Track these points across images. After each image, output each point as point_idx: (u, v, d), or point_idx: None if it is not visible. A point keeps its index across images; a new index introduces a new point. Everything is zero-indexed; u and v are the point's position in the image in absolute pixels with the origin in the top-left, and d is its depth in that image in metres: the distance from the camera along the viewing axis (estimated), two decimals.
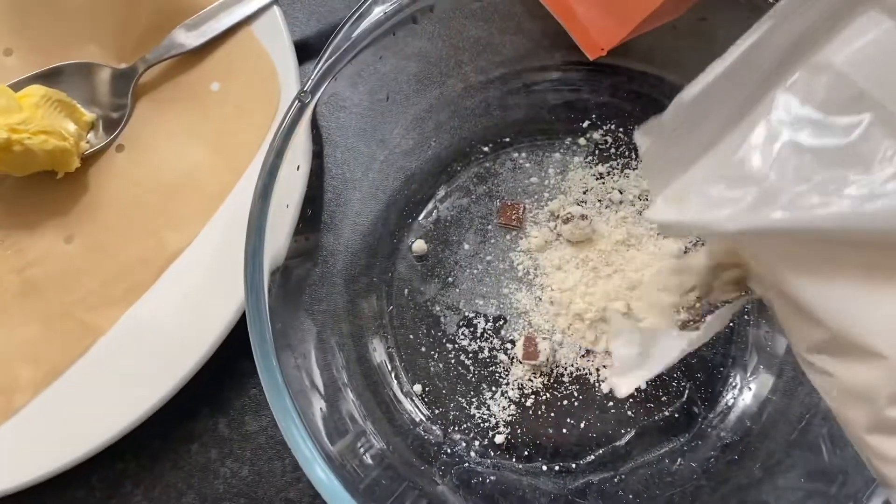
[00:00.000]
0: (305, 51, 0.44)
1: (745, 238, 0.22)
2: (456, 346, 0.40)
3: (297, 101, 0.34)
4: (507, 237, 0.42)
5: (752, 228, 0.21)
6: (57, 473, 0.37)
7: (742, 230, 0.21)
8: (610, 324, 0.37)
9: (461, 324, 0.40)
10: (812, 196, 0.20)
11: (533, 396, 0.38)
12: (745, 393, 0.38)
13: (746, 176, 0.21)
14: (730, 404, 0.38)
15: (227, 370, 0.41)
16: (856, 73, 0.20)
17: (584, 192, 0.42)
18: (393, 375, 0.40)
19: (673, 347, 0.31)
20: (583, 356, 0.38)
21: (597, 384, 0.38)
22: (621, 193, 0.41)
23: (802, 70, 0.21)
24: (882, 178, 0.19)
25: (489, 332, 0.40)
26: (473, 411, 0.39)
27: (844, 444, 0.32)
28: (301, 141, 0.36)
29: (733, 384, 0.38)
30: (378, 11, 0.36)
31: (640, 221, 0.40)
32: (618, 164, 0.42)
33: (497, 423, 0.38)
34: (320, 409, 0.34)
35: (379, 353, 0.40)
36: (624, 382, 0.33)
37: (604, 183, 0.42)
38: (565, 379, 0.38)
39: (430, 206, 0.43)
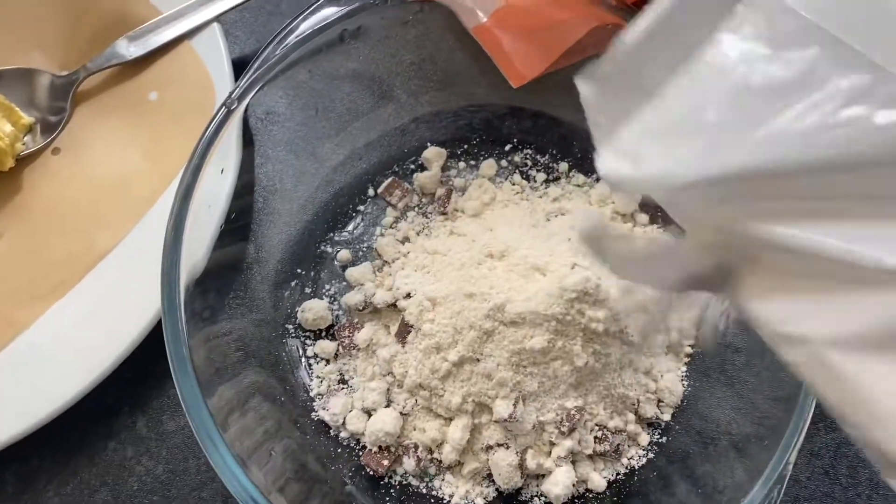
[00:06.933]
0: (244, 68, 0.46)
1: (704, 190, 0.21)
2: None
3: (223, 108, 0.36)
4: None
5: (707, 177, 0.20)
6: None
7: (697, 180, 0.20)
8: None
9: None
10: (763, 134, 0.20)
11: None
12: None
13: (697, 122, 0.21)
14: None
15: (148, 370, 0.42)
16: (802, 5, 0.20)
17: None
18: (310, 376, 0.41)
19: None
20: None
21: None
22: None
23: (745, 7, 0.21)
24: (832, 109, 0.19)
25: None
26: None
27: None
28: (228, 146, 0.38)
29: None
30: (306, 27, 0.38)
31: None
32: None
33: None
34: (231, 409, 0.35)
35: (296, 353, 0.41)
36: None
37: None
38: None
39: (357, 219, 0.45)
